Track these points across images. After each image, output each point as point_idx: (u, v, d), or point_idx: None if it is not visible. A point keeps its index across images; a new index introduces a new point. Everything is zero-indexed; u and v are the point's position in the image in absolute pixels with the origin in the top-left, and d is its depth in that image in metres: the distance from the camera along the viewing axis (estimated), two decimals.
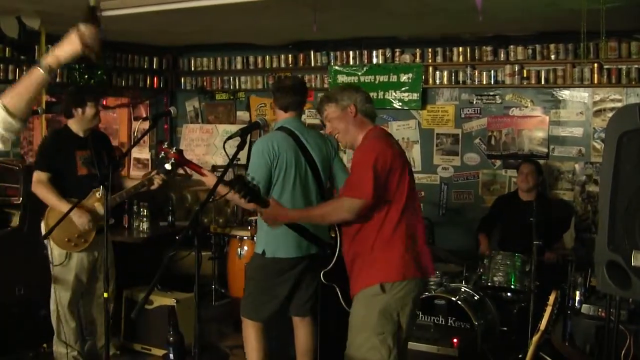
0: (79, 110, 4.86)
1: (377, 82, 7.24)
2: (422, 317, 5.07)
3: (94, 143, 4.93)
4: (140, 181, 4.85)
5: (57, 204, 4.67)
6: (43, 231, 4.75)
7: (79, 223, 4.71)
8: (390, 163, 3.41)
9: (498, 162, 6.90)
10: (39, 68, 2.31)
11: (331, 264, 3.57)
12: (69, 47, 2.33)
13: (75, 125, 4.91)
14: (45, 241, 4.79)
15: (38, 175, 4.76)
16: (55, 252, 4.80)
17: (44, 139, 5.67)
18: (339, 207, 3.47)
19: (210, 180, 4.23)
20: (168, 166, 4.39)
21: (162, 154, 4.61)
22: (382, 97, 7.22)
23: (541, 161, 6.37)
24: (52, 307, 4.92)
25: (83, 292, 5.01)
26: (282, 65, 7.80)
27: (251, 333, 4.40)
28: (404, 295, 3.42)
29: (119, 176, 5.21)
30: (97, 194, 4.77)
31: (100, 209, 4.79)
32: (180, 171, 4.59)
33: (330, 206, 3.60)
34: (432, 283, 5.58)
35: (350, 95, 3.63)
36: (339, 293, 3.58)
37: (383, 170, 3.38)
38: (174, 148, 4.40)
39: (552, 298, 3.45)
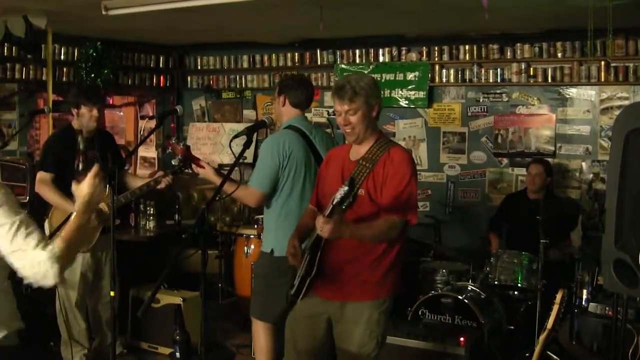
0: (75, 110, 4.81)
1: (383, 80, 7.22)
2: (428, 315, 5.06)
3: (98, 143, 4.87)
4: (145, 182, 4.78)
5: (61, 203, 4.62)
6: (47, 231, 4.66)
7: None
8: None
9: (505, 161, 6.88)
10: (74, 213, 2.52)
11: (314, 269, 3.37)
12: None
13: (76, 124, 4.85)
14: None
15: (41, 176, 4.73)
16: None
17: (47, 139, 5.65)
18: (393, 227, 3.30)
19: (207, 172, 4.17)
20: (175, 162, 4.36)
21: (170, 149, 4.57)
22: (388, 96, 7.20)
23: (548, 159, 6.33)
24: (58, 307, 4.87)
25: (89, 291, 4.99)
26: (289, 63, 7.80)
27: (261, 334, 4.33)
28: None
29: (124, 175, 5.11)
30: None
31: (105, 208, 4.70)
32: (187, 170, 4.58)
33: (385, 226, 3.30)
34: (438, 282, 5.58)
35: (378, 95, 3.42)
36: (306, 286, 3.47)
37: None
38: (182, 143, 4.36)
39: (559, 296, 3.43)
